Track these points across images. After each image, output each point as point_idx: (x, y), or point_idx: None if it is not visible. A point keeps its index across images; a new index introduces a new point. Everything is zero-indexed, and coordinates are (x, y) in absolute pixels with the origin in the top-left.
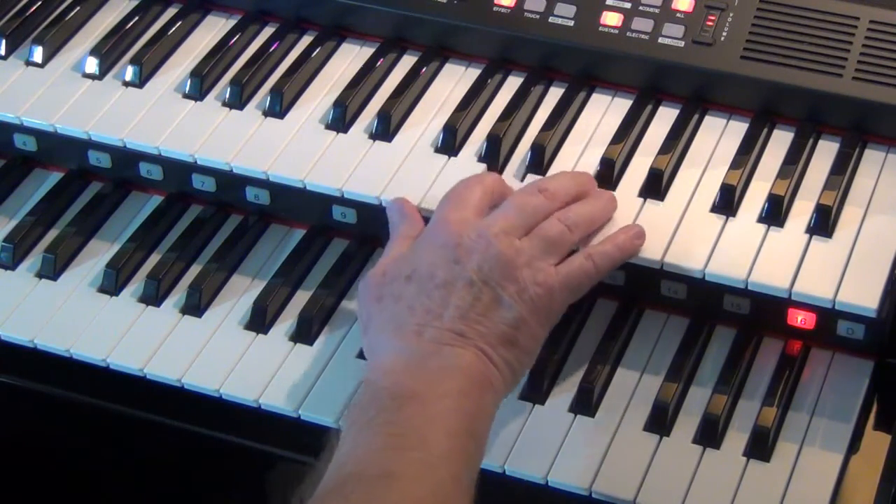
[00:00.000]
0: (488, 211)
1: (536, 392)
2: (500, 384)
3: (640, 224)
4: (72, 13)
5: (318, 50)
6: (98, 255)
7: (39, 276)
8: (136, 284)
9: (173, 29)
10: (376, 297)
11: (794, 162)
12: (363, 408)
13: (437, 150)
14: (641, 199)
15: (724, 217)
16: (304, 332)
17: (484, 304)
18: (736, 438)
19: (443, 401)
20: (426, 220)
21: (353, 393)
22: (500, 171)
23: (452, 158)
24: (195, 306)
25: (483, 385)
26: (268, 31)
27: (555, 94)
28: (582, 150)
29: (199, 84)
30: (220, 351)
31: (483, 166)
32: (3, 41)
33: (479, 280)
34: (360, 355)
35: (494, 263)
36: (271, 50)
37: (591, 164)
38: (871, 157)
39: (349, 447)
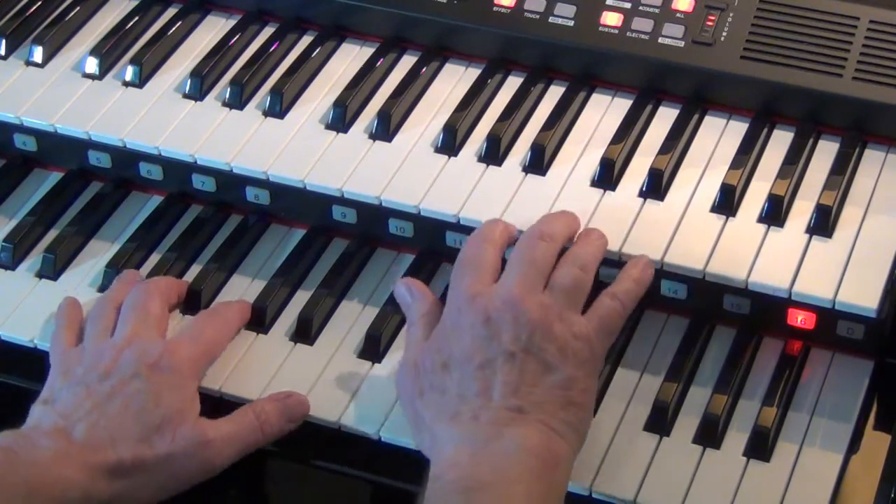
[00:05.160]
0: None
1: None
2: (568, 451)
3: (644, 254)
4: (72, 13)
5: (318, 50)
6: (98, 255)
7: (39, 276)
8: None
9: (173, 29)
10: (418, 393)
11: (794, 162)
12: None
13: (437, 150)
14: (641, 199)
15: (724, 217)
16: (304, 332)
17: (531, 374)
18: (736, 438)
19: (515, 487)
20: (430, 227)
21: (353, 392)
22: (500, 172)
23: (452, 158)
24: (195, 307)
25: (551, 462)
26: (268, 31)
27: (555, 93)
28: (582, 150)
29: (199, 84)
30: None
31: (483, 166)
32: (3, 41)
33: (518, 350)
34: (361, 355)
35: (528, 329)
36: (271, 50)
37: (591, 164)
38: (871, 157)
39: None
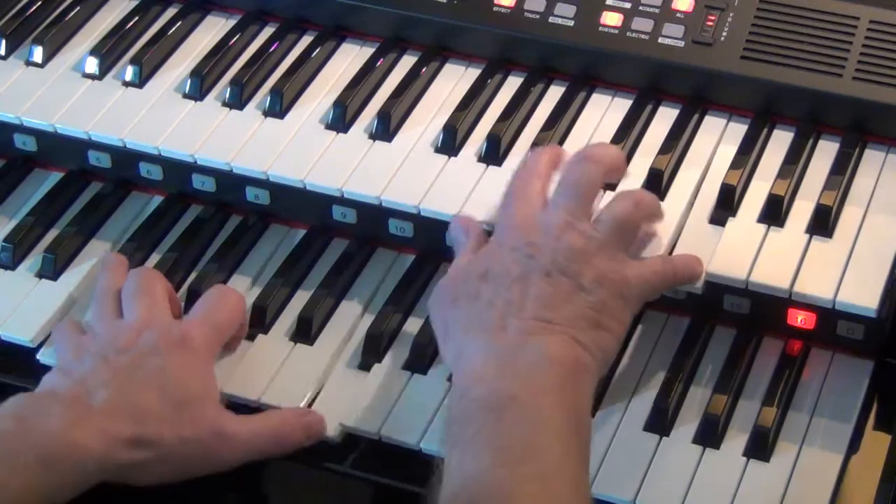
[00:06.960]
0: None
1: None
2: (593, 366)
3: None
4: (72, 13)
5: (318, 50)
6: (98, 255)
7: (39, 276)
8: None
9: (173, 29)
10: (451, 300)
11: (794, 162)
12: (461, 423)
13: (437, 150)
14: None
15: (723, 217)
16: (304, 332)
17: (564, 292)
18: (736, 438)
19: (543, 399)
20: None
21: (353, 392)
22: (500, 172)
23: (452, 158)
24: None
25: (577, 371)
26: (268, 31)
27: (555, 93)
28: None
29: (199, 84)
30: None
31: (483, 166)
32: (3, 41)
33: (555, 270)
34: (361, 355)
35: (568, 255)
36: (271, 50)
37: None
38: (871, 157)
39: (457, 472)
